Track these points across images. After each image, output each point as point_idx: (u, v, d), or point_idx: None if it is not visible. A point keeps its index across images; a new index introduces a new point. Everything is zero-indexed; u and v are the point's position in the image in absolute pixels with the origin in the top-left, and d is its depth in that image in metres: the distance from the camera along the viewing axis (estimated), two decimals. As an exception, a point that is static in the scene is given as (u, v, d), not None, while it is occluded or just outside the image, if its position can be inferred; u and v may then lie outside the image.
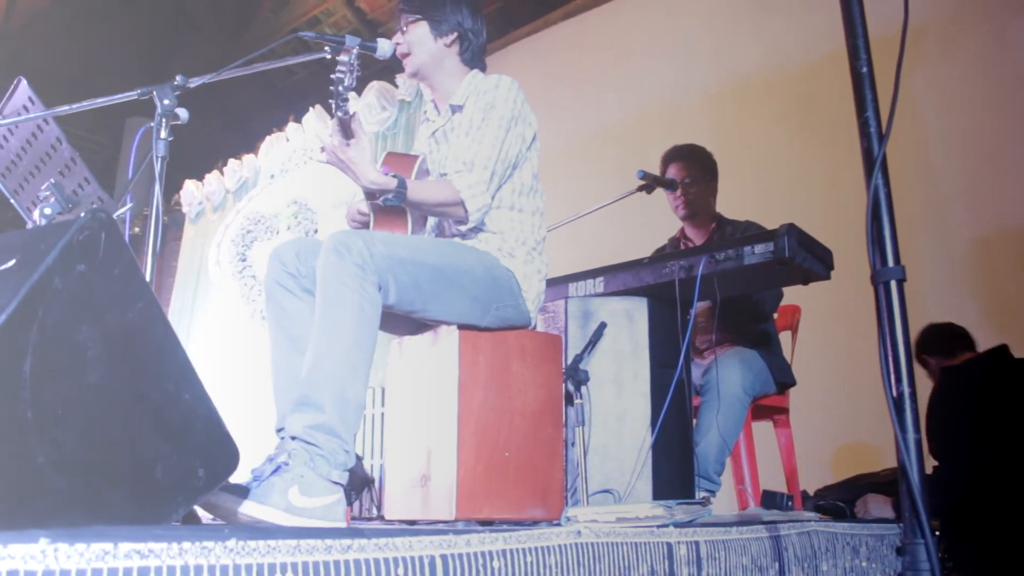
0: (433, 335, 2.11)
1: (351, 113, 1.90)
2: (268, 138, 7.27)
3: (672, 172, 3.28)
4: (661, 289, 2.60)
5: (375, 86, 6.07)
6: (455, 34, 2.29)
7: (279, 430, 1.96)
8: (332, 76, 1.84)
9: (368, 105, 6.00)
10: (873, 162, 1.36)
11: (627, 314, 2.59)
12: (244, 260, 7.08)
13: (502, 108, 2.16)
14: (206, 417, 1.27)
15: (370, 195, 2.07)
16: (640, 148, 4.87)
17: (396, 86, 6.03)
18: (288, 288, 2.04)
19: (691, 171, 3.26)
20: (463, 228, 2.11)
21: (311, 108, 6.72)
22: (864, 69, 1.44)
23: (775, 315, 3.27)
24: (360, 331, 1.81)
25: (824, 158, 4.28)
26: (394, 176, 1.99)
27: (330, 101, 1.87)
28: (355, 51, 1.88)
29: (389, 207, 2.06)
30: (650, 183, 3.13)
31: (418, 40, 2.26)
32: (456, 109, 2.29)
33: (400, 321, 2.14)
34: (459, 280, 2.02)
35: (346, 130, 1.92)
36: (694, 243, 3.30)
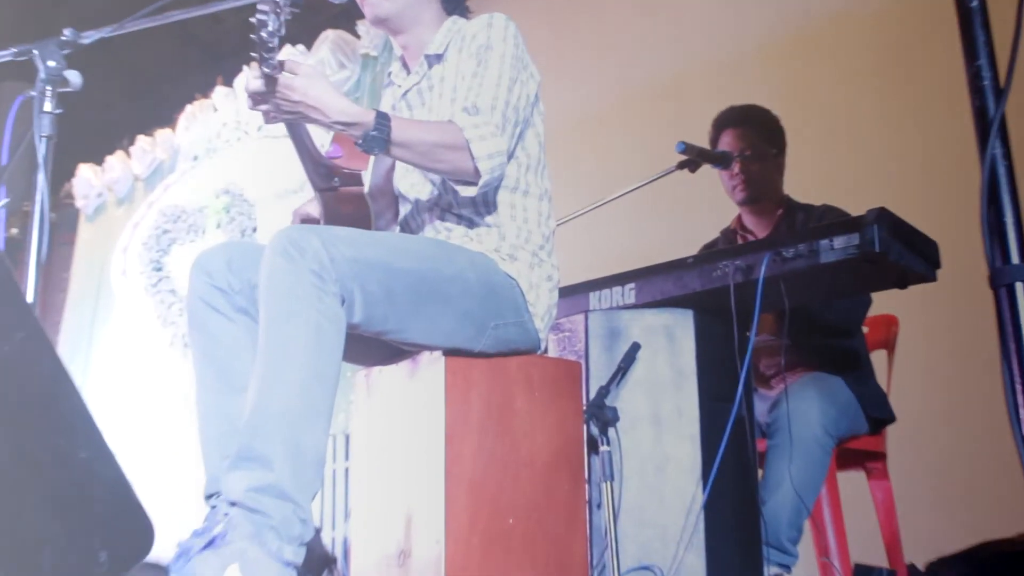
0: (412, 364, 2.11)
1: (278, 65, 1.93)
2: (189, 108, 7.30)
3: (726, 143, 3.30)
4: (712, 298, 2.59)
5: (329, 37, 6.10)
6: None
7: (209, 496, 1.96)
8: (252, 20, 1.87)
9: (321, 62, 6.02)
10: (988, 125, 1.37)
11: (667, 331, 2.59)
12: (160, 269, 7.11)
13: (501, 47, 2.20)
14: (110, 482, 1.27)
15: (321, 176, 2.08)
16: (679, 114, 4.88)
17: (357, 36, 6.06)
18: (216, 307, 2.05)
19: (751, 140, 3.28)
20: (471, 191, 2.11)
21: (245, 66, 6.75)
22: (975, 2, 1.45)
23: (864, 329, 3.27)
24: (318, 360, 1.81)
25: (920, 122, 4.29)
26: (373, 110, 2.01)
27: (252, 54, 1.89)
28: None
29: (346, 194, 2.06)
30: (694, 158, 3.13)
31: None
32: (434, 60, 2.31)
33: (368, 346, 2.14)
34: (446, 290, 2.03)
35: (272, 87, 1.95)
36: (755, 235, 3.31)
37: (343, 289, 1.87)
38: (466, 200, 2.20)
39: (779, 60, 4.87)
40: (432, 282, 2.01)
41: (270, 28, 1.86)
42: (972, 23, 1.44)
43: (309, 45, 6.33)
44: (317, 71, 1.99)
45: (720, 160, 3.20)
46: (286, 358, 1.79)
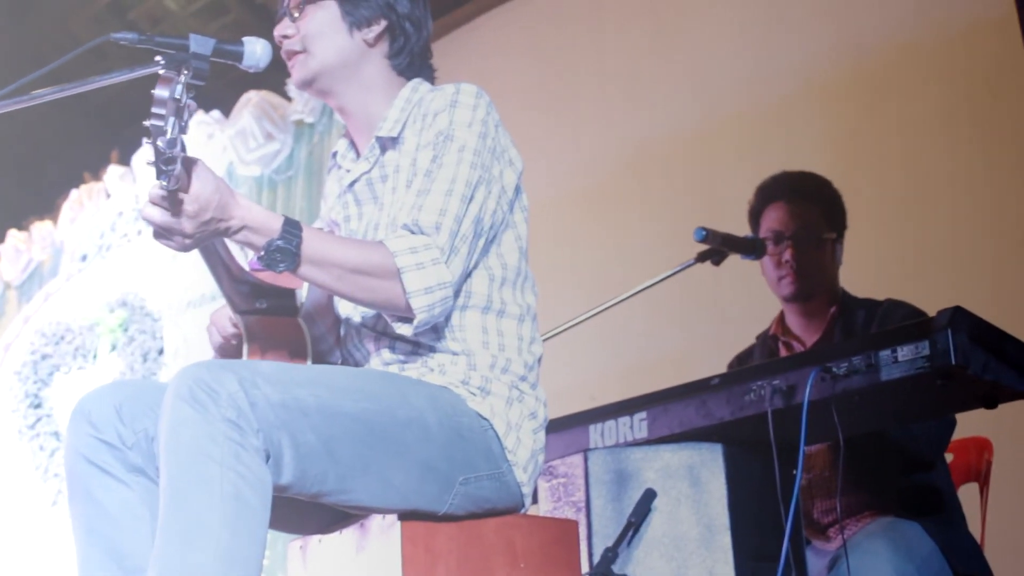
0: (359, 532, 2.10)
1: (175, 175, 1.85)
2: (74, 192, 7.35)
3: (773, 219, 3.32)
4: (745, 428, 2.61)
5: (252, 99, 6.19)
6: (383, 23, 2.36)
7: None
8: (146, 124, 1.81)
9: (242, 133, 6.08)
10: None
11: (690, 473, 2.59)
12: (39, 406, 7.08)
13: (463, 138, 2.21)
14: None
15: (243, 296, 2.09)
16: (697, 183, 4.93)
17: (288, 98, 6.15)
18: (103, 467, 2.04)
19: (806, 219, 3.30)
20: (406, 330, 2.13)
21: (147, 139, 6.81)
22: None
23: (948, 456, 3.26)
24: (236, 539, 1.80)
25: (1016, 187, 4.32)
26: (282, 216, 2.02)
27: (148, 163, 1.86)
28: (181, 80, 1.85)
29: (274, 319, 2.08)
30: (717, 247, 3.16)
31: (319, 30, 2.32)
32: (387, 144, 2.33)
33: (303, 510, 2.13)
34: (400, 438, 2.03)
35: (176, 205, 1.92)
36: (802, 343, 3.30)
37: (267, 442, 1.87)
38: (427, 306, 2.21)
39: (823, 105, 4.93)
40: (383, 428, 2.01)
41: (168, 135, 1.80)
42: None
43: (227, 111, 6.40)
44: (212, 171, 1.97)
45: (751, 248, 3.21)
46: (194, 538, 1.79)
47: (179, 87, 1.83)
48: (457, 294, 2.20)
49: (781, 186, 3.38)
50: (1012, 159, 4.31)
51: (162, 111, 1.80)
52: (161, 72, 1.87)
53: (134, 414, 2.06)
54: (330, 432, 1.95)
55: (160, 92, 1.82)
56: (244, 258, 2.27)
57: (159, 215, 1.93)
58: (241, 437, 1.84)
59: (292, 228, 2.01)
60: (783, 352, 3.31)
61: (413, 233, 2.11)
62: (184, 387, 1.86)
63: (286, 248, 1.99)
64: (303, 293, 2.32)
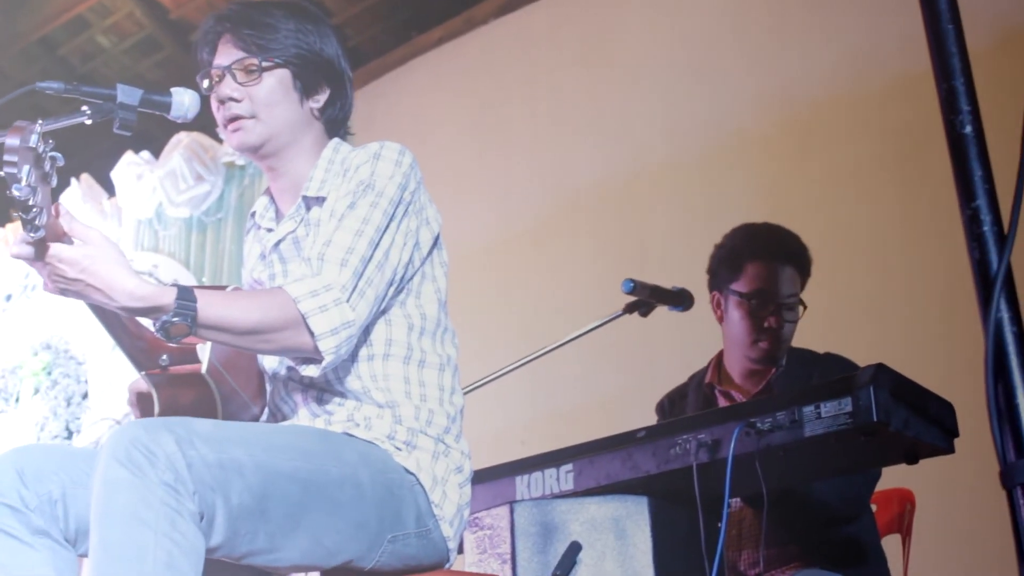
0: (284, 590, 2.09)
1: (41, 226, 1.82)
2: (0, 232, 7.25)
3: (756, 279, 3.25)
4: (671, 481, 2.61)
5: (183, 141, 6.17)
6: (327, 91, 2.36)
7: None
8: (0, 172, 1.78)
9: (172, 174, 6.05)
10: (991, 283, 1.41)
11: (616, 525, 2.59)
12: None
13: (381, 186, 2.21)
14: None
15: (143, 354, 2.07)
16: (626, 230, 4.94)
17: (220, 140, 6.11)
18: (7, 530, 2.01)
19: (791, 284, 3.26)
20: (313, 371, 2.11)
21: (74, 179, 6.75)
22: (967, 128, 1.51)
23: (872, 507, 3.27)
24: None
25: (938, 241, 4.37)
26: (172, 285, 1.98)
27: (20, 216, 1.81)
28: (36, 129, 1.80)
29: (179, 375, 2.05)
30: (645, 299, 3.18)
31: (271, 97, 2.29)
32: (312, 203, 2.32)
33: (224, 571, 2.11)
34: (334, 496, 2.02)
35: (42, 255, 1.89)
36: (745, 393, 3.28)
37: (202, 503, 1.85)
38: (352, 374, 2.20)
39: (757, 153, 4.97)
40: (318, 487, 2.00)
41: (23, 183, 1.76)
42: (966, 155, 1.49)
43: (157, 151, 6.36)
44: (104, 240, 1.94)
45: (679, 300, 3.22)
46: None
47: (33, 136, 1.80)
48: (378, 342, 2.21)
49: (770, 242, 3.33)
50: (931, 210, 4.36)
51: (14, 159, 1.76)
52: (16, 123, 1.82)
53: (37, 477, 2.03)
54: (264, 492, 1.93)
55: (11, 141, 1.78)
56: None
57: (21, 252, 1.90)
58: (177, 503, 1.81)
59: (186, 300, 1.96)
60: (721, 401, 3.29)
61: (314, 271, 2.11)
62: (120, 448, 1.83)
63: (181, 323, 1.96)
64: (206, 350, 2.26)
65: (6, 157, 1.76)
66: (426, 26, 6.15)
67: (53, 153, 1.84)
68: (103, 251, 1.93)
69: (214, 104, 2.31)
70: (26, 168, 1.76)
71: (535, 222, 5.52)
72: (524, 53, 5.82)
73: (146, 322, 2.17)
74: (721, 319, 3.34)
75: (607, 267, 4.44)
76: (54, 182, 1.86)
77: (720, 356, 3.39)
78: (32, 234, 1.83)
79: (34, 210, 1.79)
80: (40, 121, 1.84)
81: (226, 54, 2.30)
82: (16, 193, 1.75)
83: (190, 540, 1.82)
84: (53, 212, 1.87)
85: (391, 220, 2.20)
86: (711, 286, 3.36)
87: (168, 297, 1.95)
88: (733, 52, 5.15)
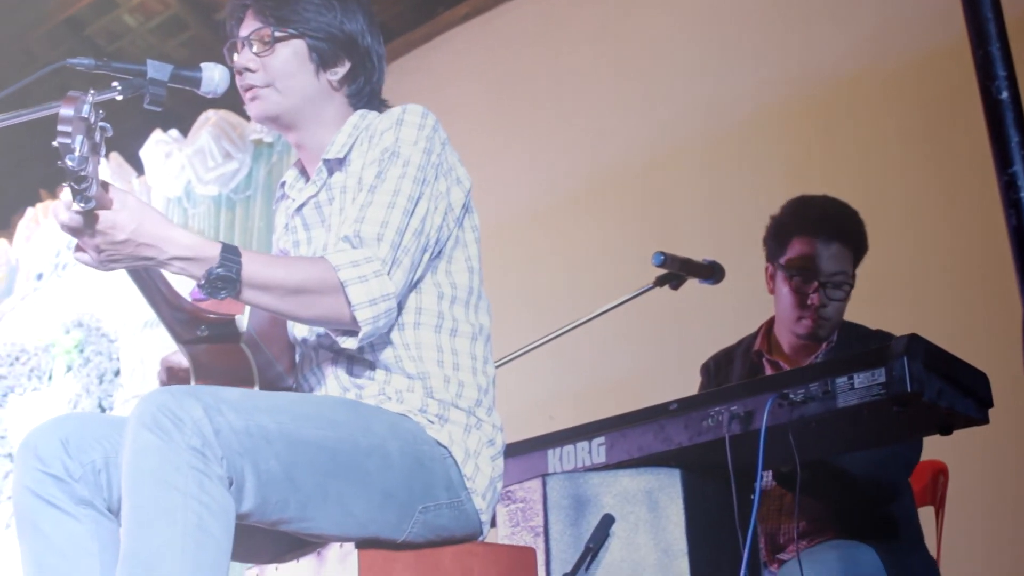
0: (316, 560, 2.09)
1: (90, 194, 1.83)
2: (30, 210, 7.29)
3: (801, 255, 3.20)
4: (703, 453, 2.61)
5: (211, 119, 6.16)
6: (347, 64, 2.36)
7: None
8: (54, 143, 1.78)
9: (200, 152, 6.05)
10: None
11: (648, 498, 2.59)
12: (-9, 429, 7.00)
13: (407, 154, 2.22)
14: None
15: (183, 325, 2.07)
16: (653, 206, 4.93)
17: (247, 118, 6.10)
18: (50, 500, 2.02)
19: (838, 262, 3.20)
20: (352, 343, 2.12)
21: (103, 158, 6.76)
22: (1004, 95, 1.49)
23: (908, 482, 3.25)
24: (200, 564, 1.80)
25: (963, 210, 4.34)
26: (219, 242, 2.00)
27: (72, 187, 1.82)
28: (88, 100, 1.80)
29: (214, 343, 2.06)
30: (676, 272, 3.16)
31: (285, 68, 2.31)
32: (334, 166, 2.33)
33: (260, 538, 2.12)
34: (362, 466, 2.03)
35: (92, 225, 1.90)
36: (793, 365, 3.24)
37: (231, 469, 1.86)
38: (382, 343, 2.20)
39: (774, 133, 4.95)
40: (346, 456, 2.01)
41: (77, 153, 1.77)
42: (1002, 120, 1.47)
43: (185, 130, 6.36)
44: (140, 201, 1.96)
45: (710, 273, 3.22)
46: (156, 569, 1.78)
47: (85, 106, 1.80)
48: (408, 310, 2.21)
49: (817, 218, 3.27)
50: (968, 183, 4.34)
51: (68, 129, 1.77)
52: (69, 92, 1.82)
53: (81, 446, 2.04)
54: (292, 460, 1.95)
55: (65, 111, 1.79)
56: (186, 287, 2.24)
57: (69, 220, 1.90)
58: (205, 466, 1.83)
59: (231, 254, 1.99)
60: (768, 370, 3.27)
61: (354, 246, 2.11)
62: (147, 414, 1.84)
63: (226, 275, 1.98)
64: (244, 320, 2.29)
65: (60, 127, 1.77)
66: (452, 2, 6.15)
67: (103, 123, 1.85)
68: (146, 210, 1.95)
69: (237, 77, 2.33)
70: (79, 139, 1.77)
71: (563, 197, 5.52)
72: (550, 28, 5.81)
73: (184, 292, 2.19)
74: (772, 291, 3.32)
75: (636, 241, 4.43)
76: (103, 152, 1.87)
77: (771, 324, 3.37)
78: (83, 204, 1.84)
79: (86, 181, 1.80)
80: (92, 91, 1.84)
81: (247, 26, 2.33)
82: (69, 163, 1.76)
83: (219, 503, 1.84)
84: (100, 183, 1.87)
85: (423, 186, 2.20)
86: (767, 257, 3.34)
87: (214, 249, 1.98)
88: (761, 26, 5.12)
